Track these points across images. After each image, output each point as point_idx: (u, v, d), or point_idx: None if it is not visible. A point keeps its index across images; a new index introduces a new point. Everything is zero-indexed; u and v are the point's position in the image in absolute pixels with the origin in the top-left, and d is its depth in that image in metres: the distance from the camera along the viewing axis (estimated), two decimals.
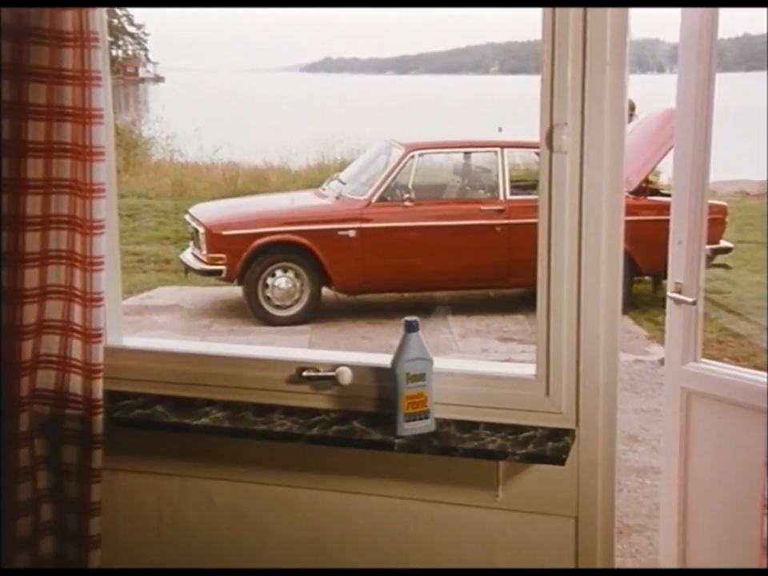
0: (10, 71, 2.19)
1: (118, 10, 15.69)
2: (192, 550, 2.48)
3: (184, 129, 12.24)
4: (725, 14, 2.44)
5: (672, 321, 2.65)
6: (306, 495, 2.38)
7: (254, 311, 7.28)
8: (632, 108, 8.23)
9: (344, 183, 7.80)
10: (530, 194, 7.06)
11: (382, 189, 7.38)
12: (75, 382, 2.33)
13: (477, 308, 7.63)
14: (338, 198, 7.61)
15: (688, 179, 2.54)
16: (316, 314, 7.34)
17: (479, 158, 8.09)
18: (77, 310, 2.31)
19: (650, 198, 7.32)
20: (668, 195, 2.78)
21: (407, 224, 7.34)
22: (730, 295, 7.70)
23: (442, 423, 2.24)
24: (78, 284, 2.30)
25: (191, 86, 20.33)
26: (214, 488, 2.44)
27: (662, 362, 3.33)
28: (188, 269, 7.54)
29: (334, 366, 2.33)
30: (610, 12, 2.05)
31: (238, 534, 2.44)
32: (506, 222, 7.26)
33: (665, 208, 2.77)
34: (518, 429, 2.22)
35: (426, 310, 7.38)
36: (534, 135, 2.16)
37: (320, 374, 2.34)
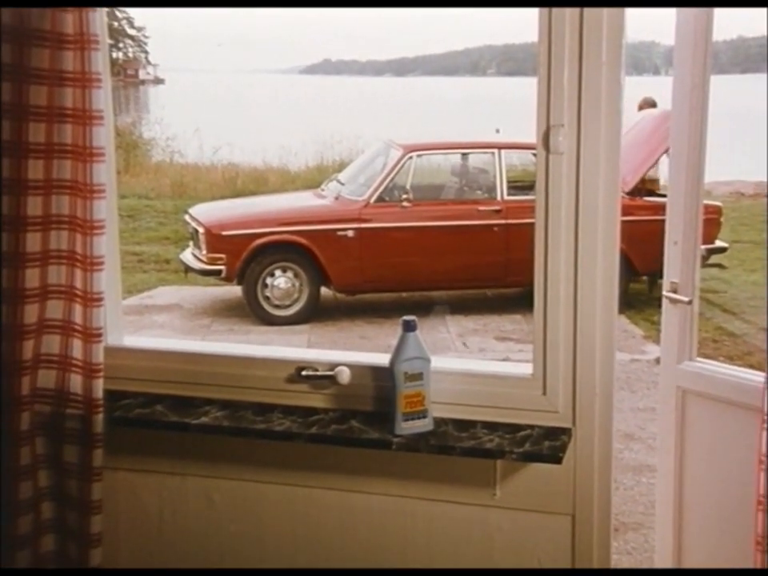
0: (10, 73, 2.20)
1: (118, 13, 15.71)
2: (192, 547, 2.49)
3: (184, 130, 12.25)
4: (719, 16, 2.45)
5: (668, 320, 2.65)
6: (305, 493, 2.39)
7: (253, 311, 7.29)
8: (653, 106, 8.30)
9: (343, 184, 7.80)
10: (527, 194, 7.09)
11: (381, 189, 7.39)
12: (76, 382, 2.34)
13: (474, 307, 7.64)
14: (336, 198, 7.62)
15: (683, 180, 2.55)
16: (315, 313, 7.36)
17: (477, 159, 8.10)
18: (77, 309, 2.32)
19: (645, 198, 7.34)
20: (664, 196, 2.79)
21: (405, 224, 7.36)
22: (725, 295, 7.72)
23: (439, 422, 2.24)
24: (78, 284, 2.31)
25: (191, 87, 20.34)
26: (213, 486, 2.45)
27: (657, 361, 3.34)
28: (188, 269, 7.56)
29: (333, 366, 2.33)
30: (606, 13, 2.06)
31: (237, 531, 2.45)
32: (504, 222, 7.27)
33: (660, 208, 2.79)
34: (515, 428, 2.22)
35: (424, 309, 7.40)
36: (531, 136, 2.17)
37: (319, 373, 2.35)
